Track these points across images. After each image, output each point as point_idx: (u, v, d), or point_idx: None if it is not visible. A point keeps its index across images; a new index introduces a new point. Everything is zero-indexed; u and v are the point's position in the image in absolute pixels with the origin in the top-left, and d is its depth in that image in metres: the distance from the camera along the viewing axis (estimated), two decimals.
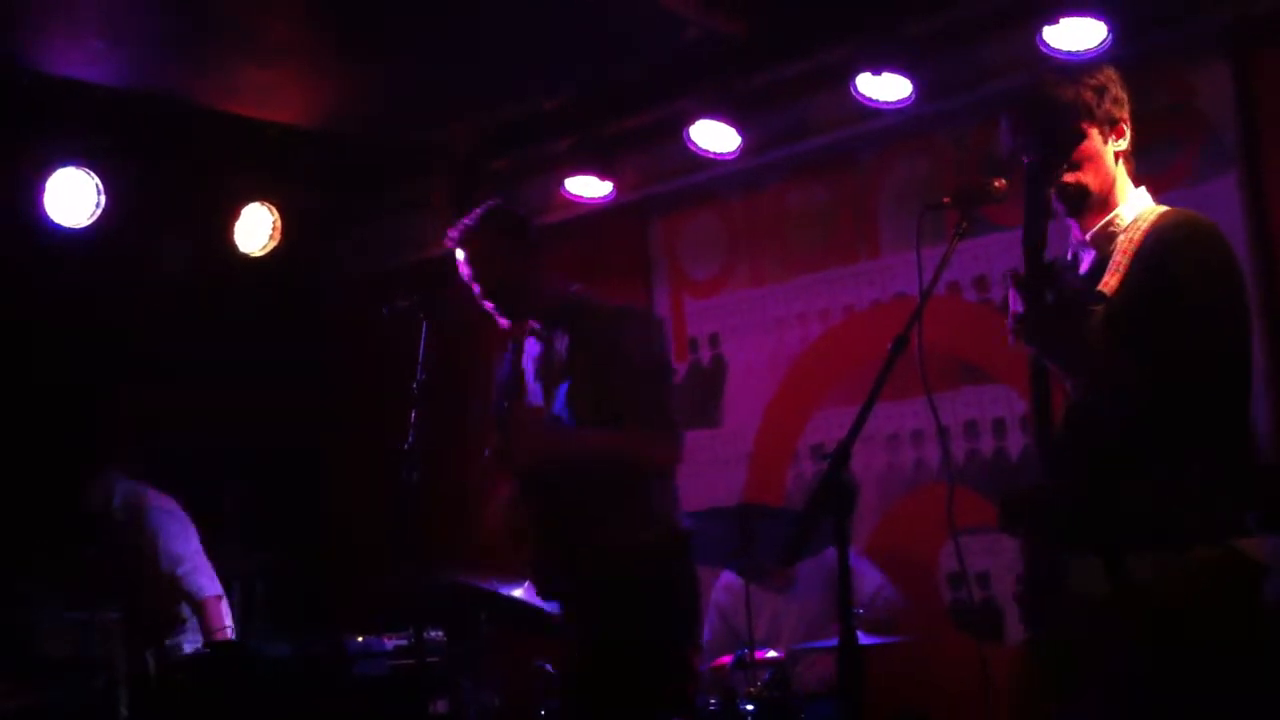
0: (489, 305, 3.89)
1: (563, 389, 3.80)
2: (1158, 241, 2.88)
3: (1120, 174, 3.02)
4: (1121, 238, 2.94)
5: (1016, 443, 5.33)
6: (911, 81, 5.16)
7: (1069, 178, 2.97)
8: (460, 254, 3.91)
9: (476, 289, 3.89)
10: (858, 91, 5.21)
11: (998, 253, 5.33)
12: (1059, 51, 4.80)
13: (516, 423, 3.68)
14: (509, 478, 3.86)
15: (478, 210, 4.00)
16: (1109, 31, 4.73)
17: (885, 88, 5.19)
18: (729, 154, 5.70)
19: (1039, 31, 4.78)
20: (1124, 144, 3.02)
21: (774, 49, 5.58)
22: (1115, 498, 2.78)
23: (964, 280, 5.49)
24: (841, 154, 5.87)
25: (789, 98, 5.77)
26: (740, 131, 5.63)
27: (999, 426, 5.38)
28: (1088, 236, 3.00)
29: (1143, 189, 3.04)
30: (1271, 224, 4.84)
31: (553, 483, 3.75)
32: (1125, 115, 3.02)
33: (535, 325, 3.95)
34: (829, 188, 5.97)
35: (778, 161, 5.98)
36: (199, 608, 5.38)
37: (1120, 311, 2.84)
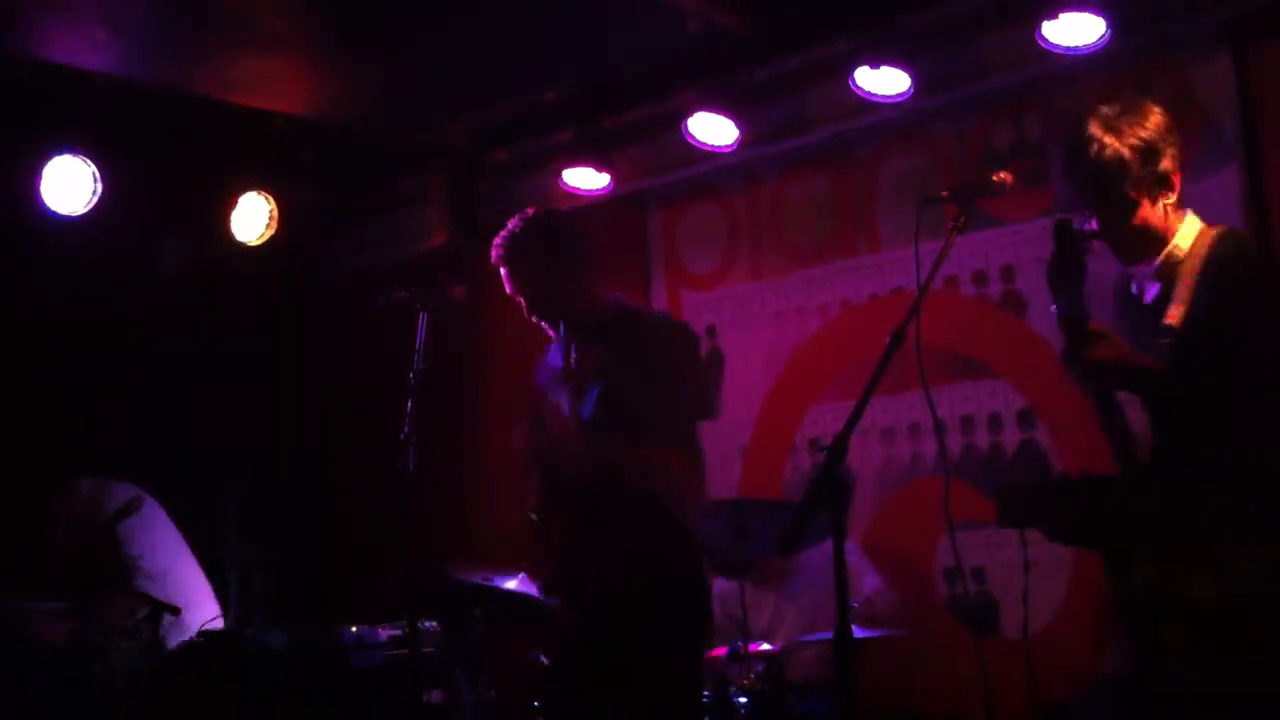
0: (535, 319, 3.91)
1: (594, 391, 3.81)
2: (1219, 266, 2.94)
3: (1169, 212, 3.04)
4: (1183, 266, 2.99)
5: (1013, 437, 5.33)
6: (910, 75, 5.16)
7: (1112, 233, 3.01)
8: (503, 275, 3.91)
9: (522, 303, 3.91)
10: (856, 85, 5.20)
11: (996, 247, 5.33)
12: (1058, 47, 4.81)
13: (566, 445, 3.69)
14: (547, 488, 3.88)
15: (516, 222, 3.97)
16: (1108, 27, 4.73)
17: (884, 81, 5.18)
18: (727, 147, 5.70)
19: (1038, 26, 4.77)
20: (1174, 198, 3.03)
21: (774, 42, 5.58)
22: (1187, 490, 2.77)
23: (962, 274, 5.48)
24: (841, 147, 5.86)
25: (788, 91, 5.76)
26: (739, 124, 5.63)
27: (995, 421, 5.37)
28: (1152, 271, 3.04)
29: (1190, 214, 3.07)
30: (1271, 217, 4.83)
31: (592, 495, 3.76)
32: (1175, 165, 3.02)
33: (562, 335, 3.98)
34: (828, 181, 5.96)
35: (777, 155, 5.98)
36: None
37: (1189, 341, 2.90)
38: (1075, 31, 4.77)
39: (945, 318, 5.33)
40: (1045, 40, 4.80)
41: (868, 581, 5.20)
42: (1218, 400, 2.82)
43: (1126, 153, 2.98)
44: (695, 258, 6.36)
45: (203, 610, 5.34)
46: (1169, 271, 3.01)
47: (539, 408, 4.01)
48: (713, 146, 5.71)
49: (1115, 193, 2.98)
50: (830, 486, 2.78)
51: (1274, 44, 4.87)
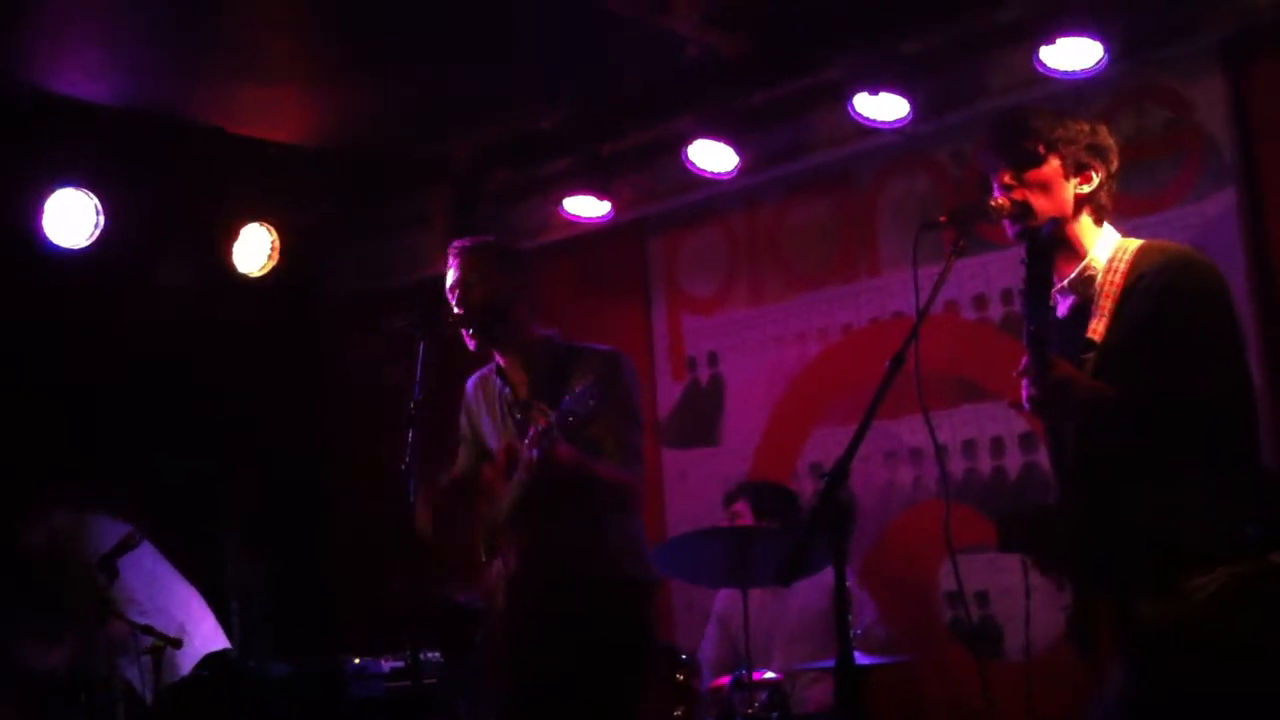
0: (463, 326, 3.89)
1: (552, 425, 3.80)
2: (1148, 280, 2.88)
3: (1085, 220, 3.02)
4: (1100, 279, 2.95)
5: (1015, 461, 5.32)
6: (908, 101, 5.16)
7: (1016, 194, 2.99)
8: (451, 269, 3.93)
9: (456, 306, 3.90)
10: (855, 111, 5.21)
11: (995, 271, 5.33)
12: (1056, 71, 4.82)
13: (541, 429, 3.66)
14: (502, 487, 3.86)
15: (480, 237, 4.06)
16: (1105, 52, 4.74)
17: (882, 107, 5.19)
18: (727, 173, 5.71)
19: (1036, 51, 4.79)
20: (1087, 189, 3.01)
21: (772, 67, 5.59)
22: (1135, 523, 2.77)
23: (962, 298, 5.49)
24: (841, 172, 5.88)
25: (788, 116, 5.78)
26: (738, 150, 5.64)
27: (997, 445, 5.37)
28: (1065, 283, 3.00)
29: (1108, 226, 3.05)
30: (1270, 238, 4.84)
31: (545, 506, 3.75)
32: (1099, 166, 3.02)
33: (501, 362, 3.96)
34: (828, 206, 5.97)
35: (777, 179, 5.99)
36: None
37: (1112, 356, 2.86)
38: (1073, 56, 4.78)
39: (946, 342, 5.34)
40: (1043, 65, 4.82)
41: (865, 614, 5.17)
42: (1172, 425, 2.79)
43: (1060, 127, 3.00)
44: (695, 282, 6.36)
45: (209, 642, 5.34)
46: (1084, 287, 2.97)
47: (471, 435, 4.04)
48: (713, 174, 5.72)
49: (1028, 150, 2.98)
50: (830, 512, 2.78)
51: (1270, 64, 4.88)
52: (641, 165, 6.16)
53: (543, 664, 3.73)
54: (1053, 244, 2.94)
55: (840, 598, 2.77)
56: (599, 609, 3.73)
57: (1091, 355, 2.88)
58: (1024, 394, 2.87)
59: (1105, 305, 2.91)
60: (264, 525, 5.85)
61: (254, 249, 6.27)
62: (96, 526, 5.31)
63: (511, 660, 3.84)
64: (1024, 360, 2.86)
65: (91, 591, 5.24)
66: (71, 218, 5.68)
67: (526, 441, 3.65)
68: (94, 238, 5.71)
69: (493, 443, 3.99)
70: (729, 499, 5.41)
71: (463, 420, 4.12)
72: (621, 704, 3.77)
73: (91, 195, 5.70)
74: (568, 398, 3.56)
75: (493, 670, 3.97)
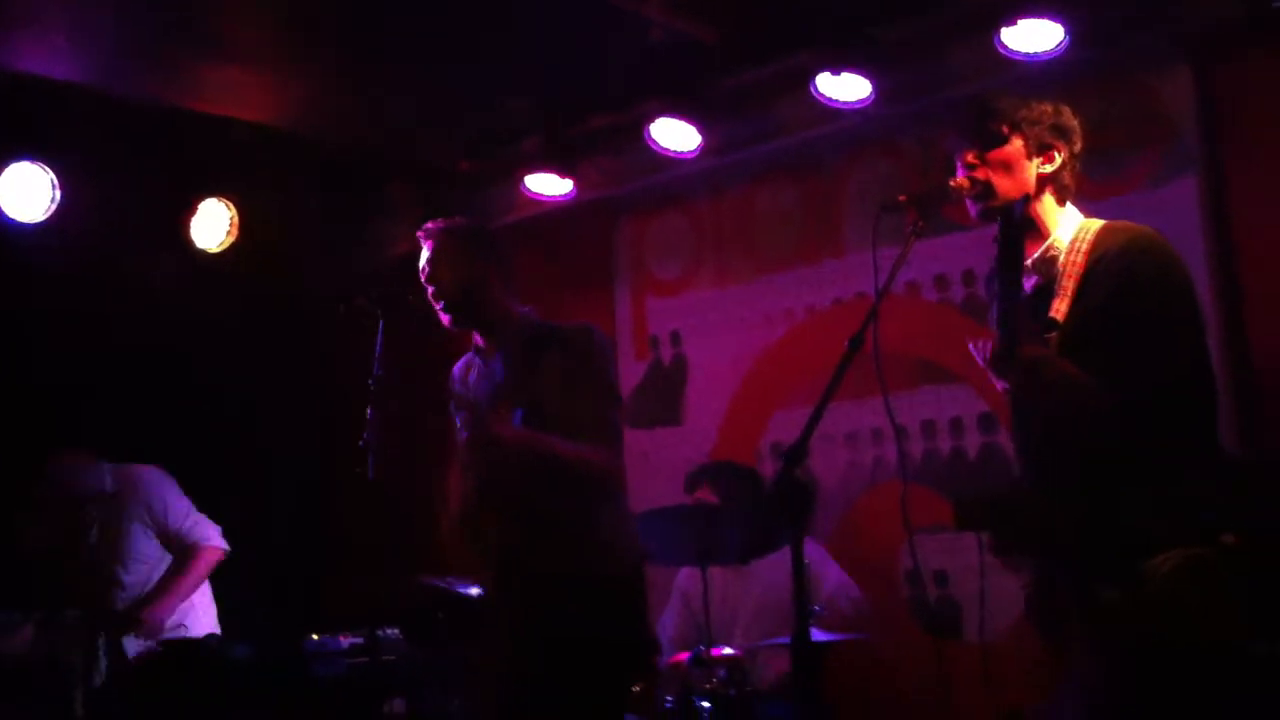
0: (437, 304, 3.88)
1: (519, 411, 3.78)
2: (1108, 262, 2.90)
3: (1047, 200, 3.04)
4: (1063, 260, 2.97)
5: (974, 442, 5.36)
6: (871, 82, 5.18)
7: (979, 173, 3.02)
8: (424, 251, 3.91)
9: (430, 285, 3.88)
10: (818, 92, 5.23)
11: (957, 252, 5.36)
12: (1017, 54, 4.84)
13: (494, 416, 3.63)
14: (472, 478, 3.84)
15: (451, 219, 4.02)
16: (1066, 34, 4.77)
17: (845, 88, 5.21)
18: (690, 153, 5.71)
19: (998, 33, 4.81)
20: (1049, 169, 3.03)
21: (740, 52, 5.59)
22: (1096, 507, 2.79)
23: (924, 279, 5.51)
24: (807, 156, 5.89)
25: (755, 100, 5.78)
26: (705, 133, 5.65)
27: (957, 426, 5.40)
28: (1028, 263, 3.01)
29: (1070, 206, 3.07)
30: (1230, 225, 4.88)
31: (518, 494, 3.72)
32: (1061, 146, 3.05)
33: (479, 343, 3.95)
34: (794, 189, 5.99)
35: (743, 163, 6.00)
36: (195, 553, 5.30)
37: (1074, 335, 2.87)
38: (1034, 38, 4.80)
39: (908, 323, 5.36)
40: (1004, 47, 4.84)
41: (829, 580, 5.19)
42: (1135, 412, 2.80)
43: (1024, 108, 3.04)
44: (661, 264, 6.37)
45: (201, 623, 5.35)
46: (1048, 267, 2.99)
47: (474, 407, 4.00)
48: (675, 153, 5.72)
49: (992, 130, 3.01)
50: (788, 492, 2.79)
51: (1235, 56, 4.91)
52: (608, 148, 6.15)
53: (527, 662, 3.66)
54: (1025, 222, 2.96)
55: (799, 576, 2.78)
56: (586, 607, 3.62)
57: (1054, 335, 2.89)
58: (983, 360, 2.88)
59: (1068, 286, 2.92)
60: (223, 506, 5.80)
61: (213, 225, 6.23)
62: (142, 472, 5.40)
63: (501, 656, 3.79)
64: (989, 344, 2.88)
65: (55, 571, 5.27)
66: (28, 191, 5.64)
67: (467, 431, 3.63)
68: (51, 212, 5.67)
69: None
70: (691, 484, 5.39)
71: (452, 406, 4.09)
72: (605, 703, 3.69)
73: (48, 169, 5.65)
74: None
75: (485, 664, 3.95)
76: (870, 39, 5.17)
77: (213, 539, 5.37)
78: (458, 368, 4.06)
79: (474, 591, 4.26)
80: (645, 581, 3.85)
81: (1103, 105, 5.10)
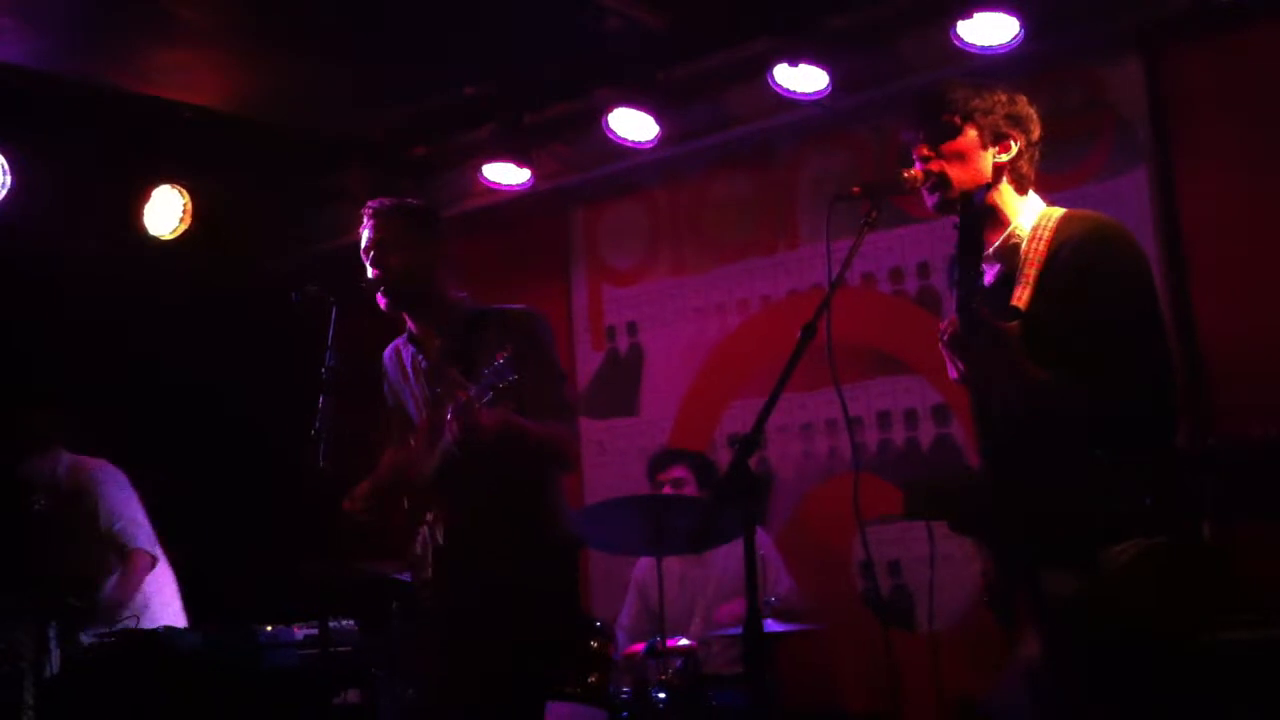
0: (377, 289, 3.85)
1: (487, 394, 3.76)
2: (1069, 251, 2.89)
3: (1006, 189, 3.02)
4: (1025, 248, 2.95)
5: (928, 432, 5.39)
6: (828, 73, 5.19)
7: (934, 165, 3.01)
8: (365, 230, 3.88)
9: (371, 268, 3.86)
10: (775, 83, 5.23)
11: (912, 244, 5.39)
12: (973, 46, 4.87)
13: (461, 402, 3.61)
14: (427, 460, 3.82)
15: (395, 198, 3.99)
16: (1021, 28, 4.80)
17: (802, 79, 5.22)
18: (647, 143, 5.71)
19: (954, 26, 4.83)
20: (1006, 158, 3.01)
21: (695, 41, 5.59)
22: (1055, 494, 2.80)
23: (879, 271, 5.54)
24: (762, 146, 5.90)
25: (710, 89, 5.78)
26: (660, 122, 5.64)
27: (911, 417, 5.43)
28: (989, 252, 3.00)
29: (1032, 194, 3.06)
30: (1180, 216, 4.93)
31: (481, 473, 3.71)
32: (1017, 135, 3.03)
33: (413, 328, 3.92)
34: (749, 179, 6.00)
35: (699, 152, 6.00)
36: (127, 557, 5.35)
37: (1037, 324, 2.86)
38: (989, 32, 4.83)
39: (862, 314, 5.39)
40: (960, 40, 4.86)
41: (780, 583, 5.21)
42: (1094, 404, 2.81)
43: (976, 98, 3.02)
44: (617, 254, 6.37)
45: (160, 616, 5.32)
46: (1009, 255, 2.98)
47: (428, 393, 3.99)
48: (633, 143, 5.72)
49: (945, 122, 3.00)
50: (740, 482, 2.79)
51: (1184, 48, 4.96)
52: (563, 136, 6.14)
53: (478, 629, 3.68)
54: (986, 211, 2.96)
55: (750, 565, 2.78)
56: (537, 570, 3.68)
57: (1016, 324, 2.90)
58: (950, 332, 2.89)
59: (1030, 274, 2.91)
60: (174, 494, 5.76)
61: (166, 212, 6.18)
62: (95, 466, 5.50)
63: (442, 630, 3.80)
64: (948, 327, 2.87)
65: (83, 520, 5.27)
66: None
67: (449, 417, 3.60)
68: (1, 197, 5.61)
69: (414, 412, 3.95)
70: (661, 464, 5.36)
71: (385, 390, 4.08)
72: (550, 664, 3.79)
73: None
74: (487, 370, 3.52)
75: (421, 642, 3.94)
76: (826, 30, 5.18)
77: (141, 542, 5.36)
78: (388, 353, 4.03)
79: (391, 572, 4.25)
80: (581, 551, 3.93)
81: (1055, 97, 5.14)
